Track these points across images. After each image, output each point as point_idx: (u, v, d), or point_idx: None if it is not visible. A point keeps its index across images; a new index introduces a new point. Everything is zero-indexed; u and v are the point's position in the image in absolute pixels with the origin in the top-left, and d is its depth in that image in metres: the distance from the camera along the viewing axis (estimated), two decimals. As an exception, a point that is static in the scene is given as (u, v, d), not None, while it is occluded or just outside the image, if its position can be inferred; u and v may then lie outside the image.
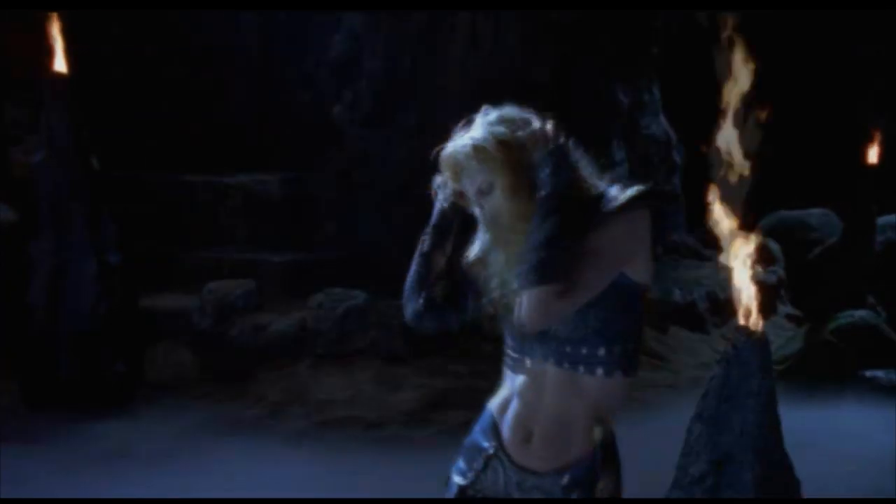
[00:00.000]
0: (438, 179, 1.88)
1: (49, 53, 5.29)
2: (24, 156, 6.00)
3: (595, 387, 1.76)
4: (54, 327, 5.21)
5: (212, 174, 7.07)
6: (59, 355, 5.19)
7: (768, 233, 6.97)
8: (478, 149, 1.76)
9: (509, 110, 1.82)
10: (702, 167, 2.87)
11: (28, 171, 5.66)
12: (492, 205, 1.77)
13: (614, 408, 1.81)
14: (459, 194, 1.84)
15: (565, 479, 1.76)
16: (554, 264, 1.67)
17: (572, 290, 1.69)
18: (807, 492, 3.10)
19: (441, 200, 1.90)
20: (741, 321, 2.93)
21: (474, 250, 1.86)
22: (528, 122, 1.79)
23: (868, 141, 6.93)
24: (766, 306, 2.92)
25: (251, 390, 5.50)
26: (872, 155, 6.93)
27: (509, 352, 1.86)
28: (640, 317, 1.81)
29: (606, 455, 1.78)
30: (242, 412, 5.25)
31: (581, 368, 1.76)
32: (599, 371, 1.76)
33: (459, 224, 1.90)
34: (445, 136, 1.84)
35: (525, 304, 1.70)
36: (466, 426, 1.96)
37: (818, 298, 6.80)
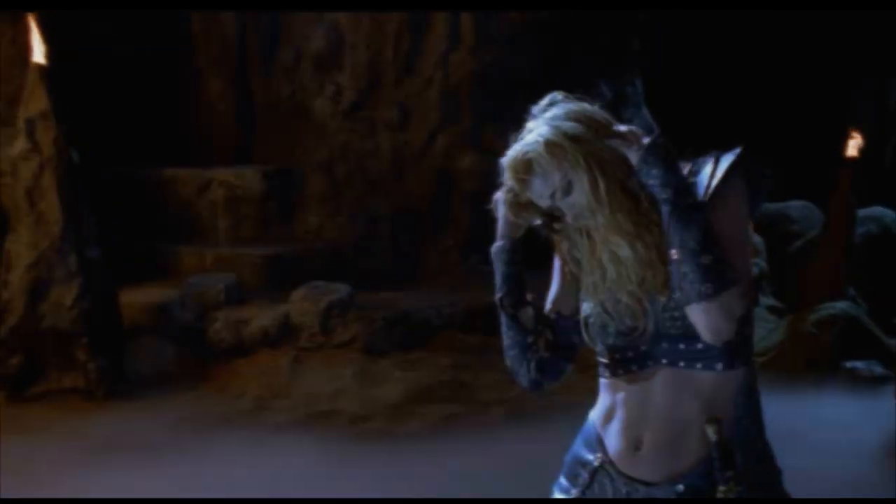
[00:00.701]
0: (499, 194, 1.65)
1: (27, 46, 5.23)
2: (1, 149, 5.93)
3: (711, 383, 1.63)
4: (34, 323, 5.17)
5: (192, 167, 7.02)
6: (39, 351, 5.14)
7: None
8: (550, 144, 1.57)
9: (578, 105, 1.64)
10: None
11: (6, 164, 5.60)
12: (573, 204, 1.59)
13: (730, 403, 1.68)
14: (527, 207, 1.63)
15: (680, 488, 1.64)
16: (725, 267, 1.53)
17: (748, 287, 1.57)
18: (786, 483, 3.12)
19: (505, 223, 1.68)
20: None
21: (571, 271, 1.69)
22: (601, 119, 1.63)
23: (848, 134, 6.97)
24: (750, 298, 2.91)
25: (233, 385, 5.47)
26: (853, 147, 6.97)
27: (605, 360, 1.70)
28: (752, 299, 1.69)
29: (724, 458, 1.65)
30: (225, 407, 5.22)
31: (699, 365, 1.62)
32: (719, 365, 1.62)
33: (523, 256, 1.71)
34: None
35: (708, 318, 1.54)
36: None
37: (799, 290, 6.85)
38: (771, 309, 7.09)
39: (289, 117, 7.08)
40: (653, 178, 1.57)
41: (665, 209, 1.56)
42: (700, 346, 1.60)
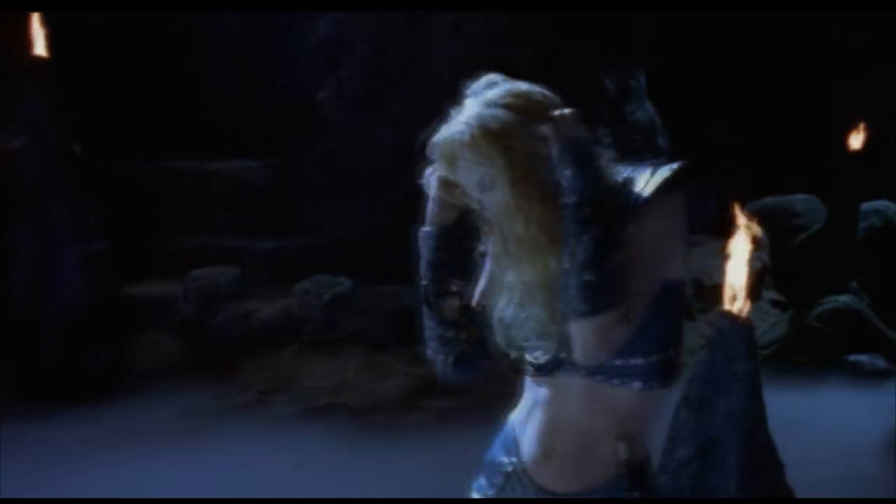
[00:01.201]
0: (430, 171, 1.58)
1: (29, 38, 5.23)
2: (4, 142, 5.93)
3: (628, 401, 1.55)
4: (38, 315, 5.18)
5: (195, 160, 7.02)
6: (42, 344, 5.15)
7: (754, 218, 6.97)
8: (473, 137, 1.47)
9: (514, 87, 1.51)
10: (687, 153, 2.86)
11: (8, 158, 5.60)
12: (495, 202, 1.50)
13: (645, 423, 1.59)
14: (454, 189, 1.56)
15: None
16: (608, 287, 1.43)
17: (632, 311, 1.46)
18: (790, 476, 3.12)
19: (434, 207, 1.62)
20: (727, 306, 2.94)
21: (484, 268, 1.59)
22: (537, 103, 1.50)
23: (852, 127, 6.96)
24: (753, 291, 2.93)
25: (237, 378, 5.48)
26: (856, 141, 6.96)
27: (531, 360, 1.61)
28: (679, 318, 1.57)
29: (635, 478, 1.57)
30: (228, 400, 5.23)
31: (615, 381, 1.53)
32: (637, 384, 1.53)
33: (460, 241, 1.61)
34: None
35: (582, 337, 1.46)
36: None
37: (802, 284, 6.84)
38: (774, 302, 7.08)
39: (292, 110, 7.07)
40: (563, 180, 1.46)
41: (566, 215, 1.45)
42: (618, 362, 1.51)
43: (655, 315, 1.51)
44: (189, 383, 5.44)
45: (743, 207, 2.95)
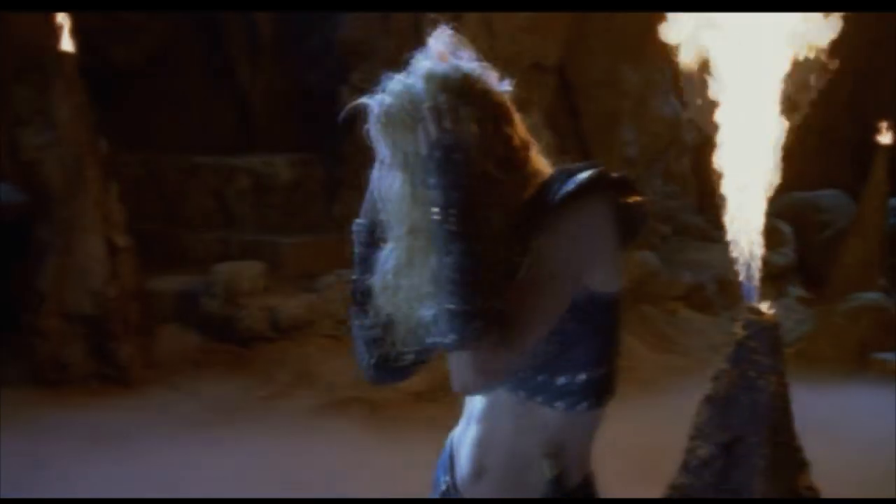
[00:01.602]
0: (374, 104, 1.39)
1: (56, 35, 5.28)
2: (32, 137, 5.99)
3: (556, 420, 1.43)
4: (64, 309, 5.23)
5: (220, 156, 7.06)
6: (67, 336, 5.20)
7: (780, 214, 6.93)
8: (384, 110, 1.34)
9: (446, 67, 1.37)
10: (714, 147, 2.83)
11: (36, 153, 5.66)
12: (384, 184, 1.39)
13: (580, 444, 1.47)
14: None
15: None
16: (476, 317, 1.26)
17: (518, 335, 1.30)
18: (815, 475, 3.08)
19: (369, 199, 1.50)
20: (752, 303, 2.91)
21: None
22: (471, 84, 1.35)
23: (882, 122, 6.87)
24: (779, 288, 2.90)
25: (259, 371, 5.51)
26: (886, 136, 6.86)
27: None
28: (612, 334, 1.44)
29: (559, 497, 1.45)
30: (250, 394, 5.26)
31: (539, 398, 1.42)
32: (559, 403, 1.42)
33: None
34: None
35: (455, 367, 1.32)
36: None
37: (829, 280, 6.76)
38: (800, 299, 7.01)
39: (317, 105, 7.09)
40: (428, 181, 1.31)
41: (432, 229, 1.30)
42: (541, 378, 1.40)
43: (582, 330, 1.38)
44: (212, 377, 5.48)
45: (768, 203, 2.91)
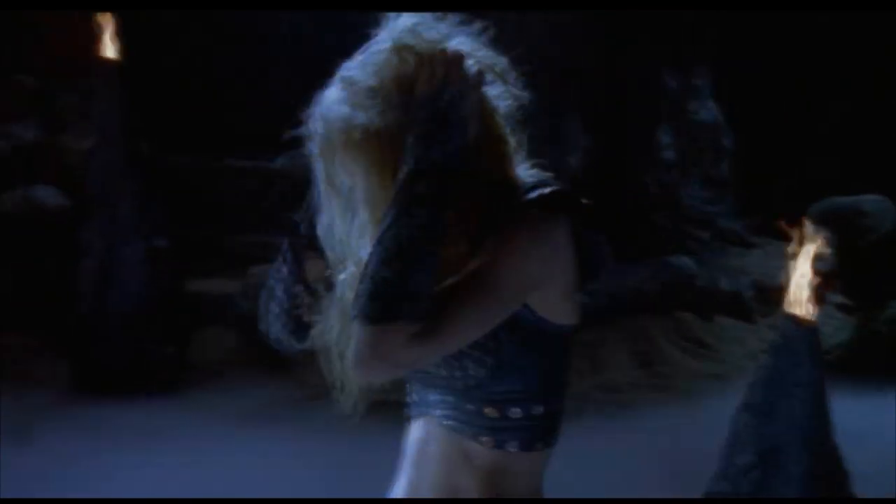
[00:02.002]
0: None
1: (99, 40, 5.37)
2: (75, 141, 6.11)
3: (489, 457, 1.26)
4: (103, 311, 5.31)
5: (259, 159, 7.12)
6: (107, 339, 5.28)
7: (820, 219, 6.82)
8: (350, 75, 1.27)
9: (420, 21, 1.27)
10: (753, 153, 2.81)
11: (79, 157, 5.76)
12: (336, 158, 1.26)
13: (522, 485, 1.28)
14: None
15: None
16: (399, 291, 1.10)
17: (436, 331, 1.13)
18: (855, 485, 3.03)
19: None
20: (791, 309, 2.87)
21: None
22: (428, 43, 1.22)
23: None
24: (818, 295, 2.87)
25: (295, 374, 5.54)
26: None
27: (411, 393, 1.36)
28: (558, 371, 1.25)
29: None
30: (287, 396, 5.30)
31: (466, 430, 1.27)
32: (486, 439, 1.26)
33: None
34: None
35: (357, 340, 1.15)
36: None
37: (871, 287, 6.64)
38: (839, 306, 6.89)
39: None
40: (407, 143, 1.16)
41: (395, 184, 1.14)
42: (470, 407, 1.24)
43: (522, 358, 1.22)
44: (249, 379, 5.52)
45: (809, 207, 2.88)
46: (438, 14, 1.31)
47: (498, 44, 1.37)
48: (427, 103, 1.15)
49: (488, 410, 1.25)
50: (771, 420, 2.80)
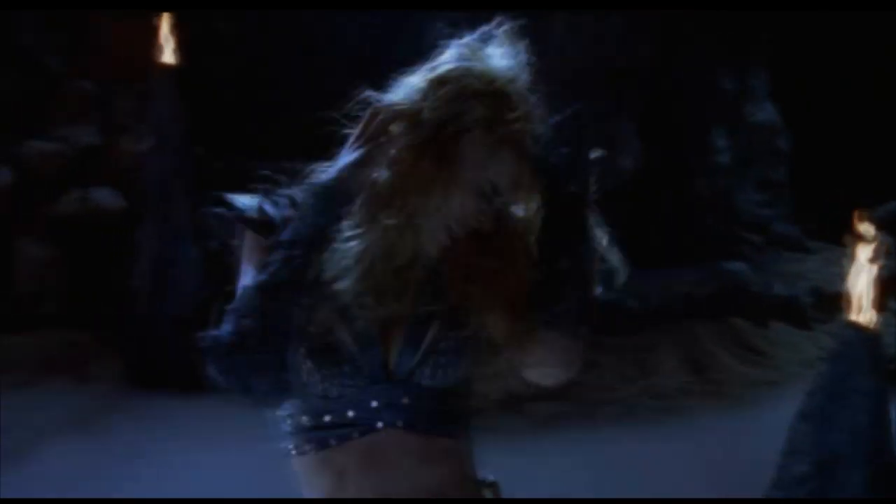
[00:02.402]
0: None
1: (157, 45, 5.47)
2: (133, 145, 6.23)
3: (461, 450, 1.38)
4: (157, 310, 5.40)
5: (313, 161, 7.17)
6: (161, 337, 5.37)
7: (882, 223, 6.64)
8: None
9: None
10: (812, 155, 2.74)
11: (136, 160, 5.88)
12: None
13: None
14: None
15: None
16: (593, 303, 1.27)
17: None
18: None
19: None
20: (851, 316, 2.79)
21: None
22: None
23: None
24: (880, 301, 2.79)
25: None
26: None
27: (327, 416, 1.31)
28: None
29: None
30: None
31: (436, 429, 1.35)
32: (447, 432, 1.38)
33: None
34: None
35: (558, 353, 1.28)
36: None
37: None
38: (902, 314, 6.70)
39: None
40: (557, 157, 1.30)
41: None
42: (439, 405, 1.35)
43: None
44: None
45: (871, 211, 2.80)
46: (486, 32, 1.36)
47: (547, 46, 1.34)
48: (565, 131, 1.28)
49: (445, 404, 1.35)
50: (829, 429, 2.73)
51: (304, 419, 1.33)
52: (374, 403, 1.29)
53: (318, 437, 1.32)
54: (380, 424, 1.30)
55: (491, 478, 1.42)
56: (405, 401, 1.30)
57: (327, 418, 1.31)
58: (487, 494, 1.39)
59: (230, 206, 1.50)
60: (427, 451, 1.31)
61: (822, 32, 7.36)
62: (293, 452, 1.37)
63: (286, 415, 1.38)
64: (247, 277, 1.35)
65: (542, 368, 1.31)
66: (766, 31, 7.14)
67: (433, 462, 1.31)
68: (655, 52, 6.54)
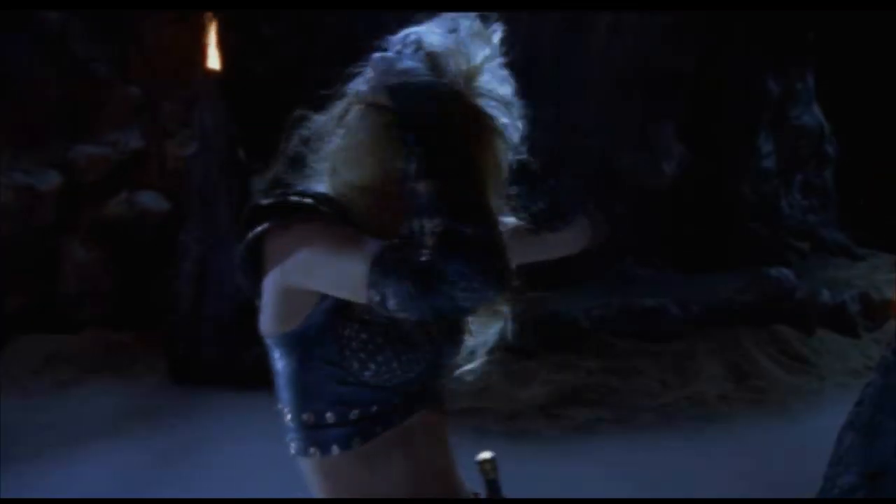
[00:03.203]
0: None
1: (203, 52, 5.55)
2: (178, 149, 6.33)
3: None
4: (200, 310, 5.48)
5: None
6: (203, 336, 5.44)
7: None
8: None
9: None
10: (860, 160, 2.68)
11: (181, 164, 5.97)
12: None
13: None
14: None
15: None
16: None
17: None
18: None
19: None
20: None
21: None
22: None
23: None
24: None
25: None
26: None
27: (374, 406, 1.33)
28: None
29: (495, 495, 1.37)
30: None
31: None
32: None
33: None
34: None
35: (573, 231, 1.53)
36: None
37: None
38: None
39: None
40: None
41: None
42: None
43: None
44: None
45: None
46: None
47: (587, 47, 1.35)
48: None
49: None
50: (879, 441, 2.66)
51: (354, 413, 1.29)
52: (416, 388, 1.31)
53: (364, 428, 1.30)
54: (417, 407, 1.31)
55: (488, 454, 1.45)
56: (440, 383, 1.34)
57: (374, 408, 1.29)
58: (487, 469, 1.44)
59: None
60: (444, 429, 1.38)
61: (869, 34, 7.21)
62: (334, 449, 1.32)
63: (310, 413, 1.36)
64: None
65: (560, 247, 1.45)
66: (813, 32, 7.02)
67: (446, 439, 1.38)
68: (699, 54, 6.46)
